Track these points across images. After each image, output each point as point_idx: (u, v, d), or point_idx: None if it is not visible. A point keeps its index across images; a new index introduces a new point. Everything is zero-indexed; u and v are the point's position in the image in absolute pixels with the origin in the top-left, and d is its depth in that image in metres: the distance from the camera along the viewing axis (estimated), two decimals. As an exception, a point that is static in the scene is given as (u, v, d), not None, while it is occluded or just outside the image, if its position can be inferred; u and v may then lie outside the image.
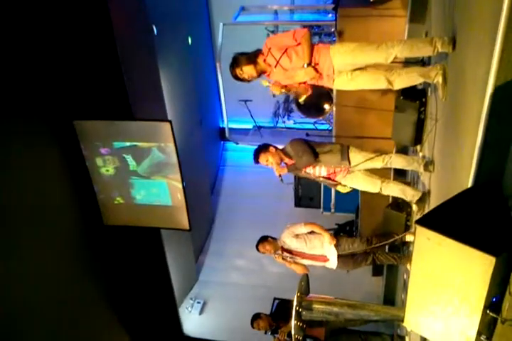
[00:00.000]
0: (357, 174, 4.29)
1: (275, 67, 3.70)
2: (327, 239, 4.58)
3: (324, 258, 4.65)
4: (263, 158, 4.17)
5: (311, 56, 3.56)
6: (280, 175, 4.18)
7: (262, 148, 4.22)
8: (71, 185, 5.65)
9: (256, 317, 5.29)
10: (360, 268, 4.92)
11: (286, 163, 4.24)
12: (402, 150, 5.51)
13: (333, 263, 4.64)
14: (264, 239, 4.73)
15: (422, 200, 4.13)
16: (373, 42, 3.54)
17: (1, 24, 4.45)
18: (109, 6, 4.81)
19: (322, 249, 4.61)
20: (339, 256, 4.60)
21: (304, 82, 3.76)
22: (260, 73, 3.77)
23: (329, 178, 4.29)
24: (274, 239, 4.73)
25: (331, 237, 4.59)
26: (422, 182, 4.41)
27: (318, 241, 4.62)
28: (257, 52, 3.75)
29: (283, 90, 3.80)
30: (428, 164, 4.03)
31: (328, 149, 4.19)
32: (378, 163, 4.20)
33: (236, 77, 3.79)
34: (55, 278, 5.23)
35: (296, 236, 4.65)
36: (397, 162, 4.23)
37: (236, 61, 3.73)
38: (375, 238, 4.67)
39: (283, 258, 4.64)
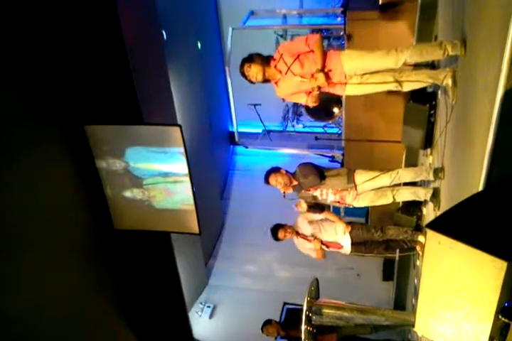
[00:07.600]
0: (367, 193, 4.39)
1: (286, 73, 3.71)
2: (342, 227, 4.62)
3: (338, 245, 4.69)
4: (273, 179, 4.39)
5: (324, 62, 3.59)
6: (284, 193, 4.43)
7: (273, 170, 4.45)
8: (82, 190, 5.67)
9: (266, 323, 5.42)
10: (370, 273, 4.94)
11: (293, 186, 4.45)
12: (412, 156, 5.50)
13: (347, 249, 4.69)
14: (280, 227, 4.76)
15: (435, 196, 4.13)
16: (383, 47, 3.56)
17: (13, 31, 4.51)
18: (118, 12, 4.84)
19: (336, 236, 4.65)
20: (353, 244, 4.64)
21: (311, 92, 3.76)
22: (267, 79, 3.80)
23: (338, 202, 4.46)
24: (289, 226, 4.78)
25: (345, 225, 4.61)
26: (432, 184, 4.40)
27: (331, 228, 4.68)
28: (270, 58, 3.79)
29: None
30: (438, 171, 4.04)
31: (335, 173, 4.43)
32: (386, 180, 4.30)
33: (242, 73, 3.82)
34: (64, 281, 5.24)
35: (310, 222, 4.73)
36: (406, 175, 4.30)
37: (250, 57, 3.78)
38: (389, 227, 4.68)
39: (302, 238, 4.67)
